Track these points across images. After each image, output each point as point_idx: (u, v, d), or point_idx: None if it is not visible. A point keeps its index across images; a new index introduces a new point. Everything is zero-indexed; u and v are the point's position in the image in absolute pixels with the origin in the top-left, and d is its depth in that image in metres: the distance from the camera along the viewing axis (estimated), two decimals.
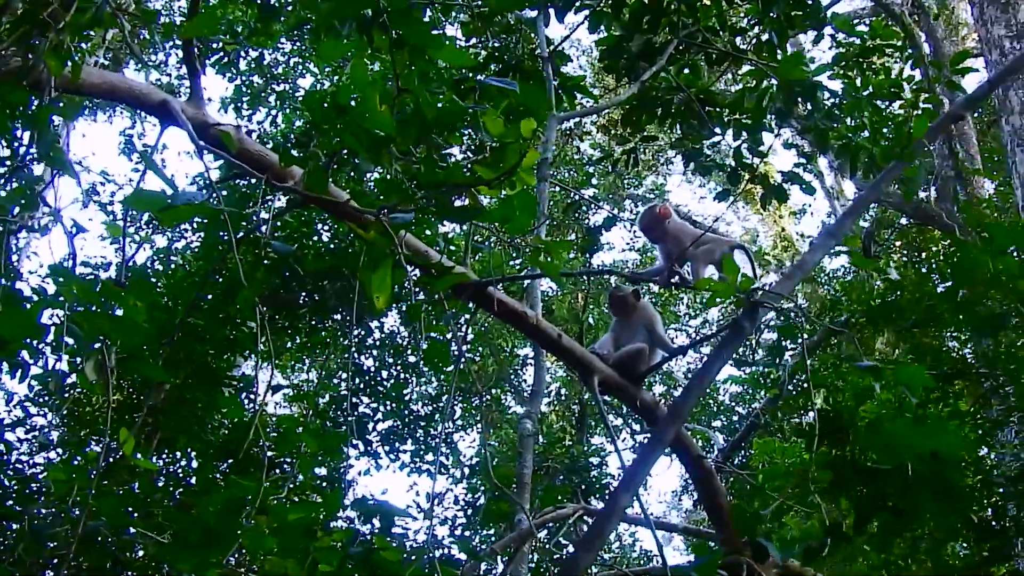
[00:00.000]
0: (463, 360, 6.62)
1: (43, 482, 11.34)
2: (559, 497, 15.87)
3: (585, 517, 10.88)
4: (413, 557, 5.40)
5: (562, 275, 6.35)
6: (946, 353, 11.27)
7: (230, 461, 13.51)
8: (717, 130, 10.69)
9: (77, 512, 5.73)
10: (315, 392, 19.86)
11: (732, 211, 36.44)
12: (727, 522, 7.42)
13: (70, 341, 4.76)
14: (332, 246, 15.62)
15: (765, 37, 10.37)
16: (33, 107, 5.39)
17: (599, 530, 5.99)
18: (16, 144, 5.76)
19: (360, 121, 4.59)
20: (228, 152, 5.97)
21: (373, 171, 4.80)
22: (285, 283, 15.22)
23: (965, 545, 10.64)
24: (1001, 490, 10.16)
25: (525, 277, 7.42)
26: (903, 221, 18.94)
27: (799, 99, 10.12)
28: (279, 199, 12.16)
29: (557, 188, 21.03)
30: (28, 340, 4.52)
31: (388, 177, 4.93)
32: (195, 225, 15.64)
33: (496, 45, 11.23)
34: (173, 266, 15.80)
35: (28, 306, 4.50)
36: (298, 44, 20.17)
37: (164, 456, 14.16)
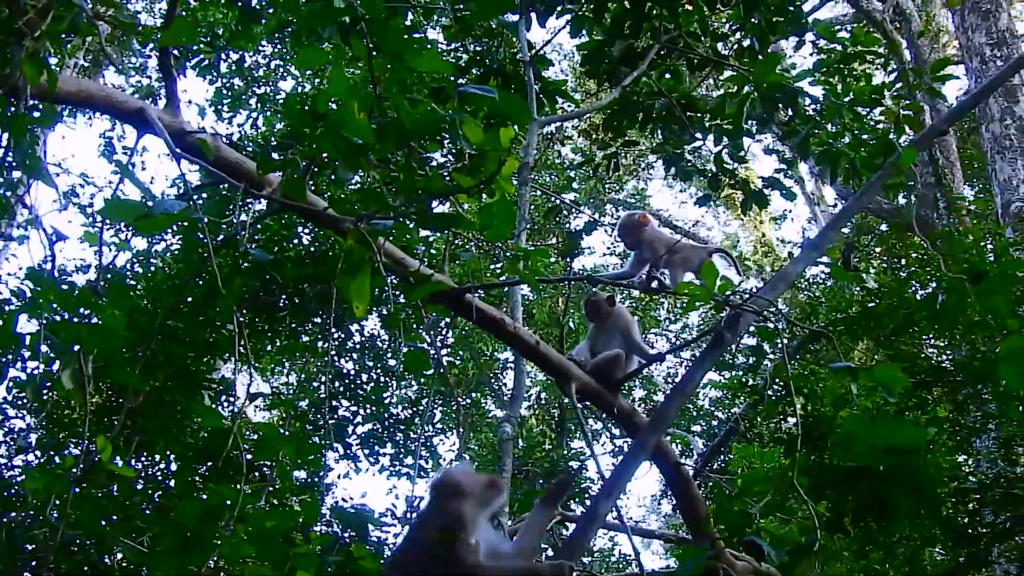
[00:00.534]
0: (443, 365, 6.63)
1: (21, 486, 11.29)
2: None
3: (564, 522, 10.85)
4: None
5: (540, 282, 6.35)
6: (924, 360, 11.29)
7: (209, 464, 13.48)
8: (698, 135, 10.71)
9: (56, 514, 5.72)
10: (295, 396, 19.83)
11: (712, 216, 36.48)
12: (704, 529, 7.44)
13: (46, 349, 4.75)
14: (312, 249, 15.60)
15: (747, 43, 10.39)
16: (9, 115, 5.37)
17: (580, 536, 6.00)
18: None
19: (338, 128, 4.58)
20: (205, 160, 5.96)
21: (352, 178, 4.74)
22: (265, 286, 15.19)
23: (941, 551, 10.68)
24: (977, 496, 10.20)
25: (503, 284, 7.43)
26: (883, 227, 19.00)
27: (780, 105, 10.14)
28: (259, 203, 12.14)
29: (538, 192, 21.03)
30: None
31: (367, 184, 4.92)
32: (175, 228, 15.60)
33: (478, 49, 11.22)
34: (152, 268, 15.75)
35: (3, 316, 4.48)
36: (279, 47, 20.15)
37: (143, 459, 14.11)
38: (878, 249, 16.44)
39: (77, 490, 5.35)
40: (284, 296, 15.92)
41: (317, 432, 17.34)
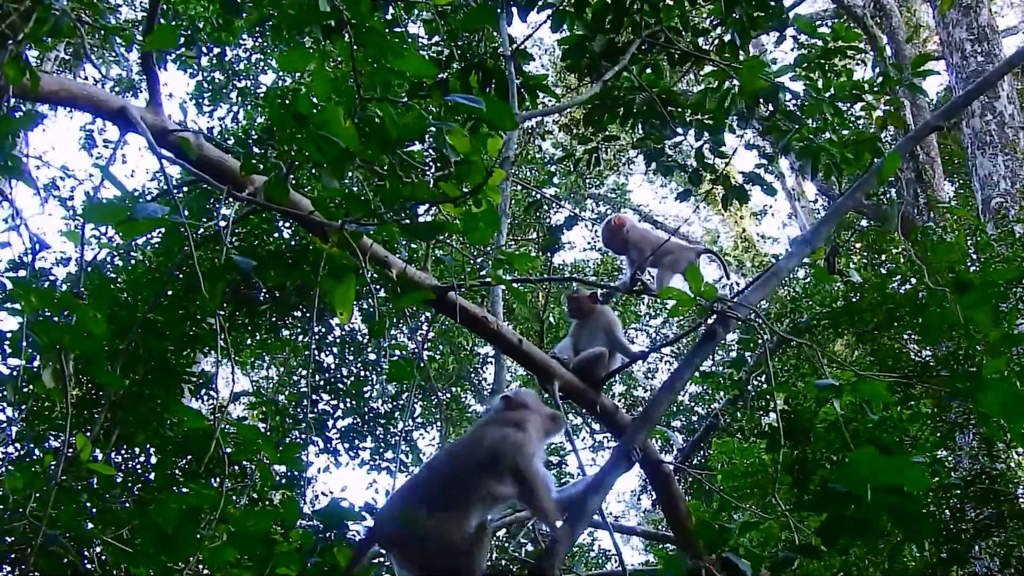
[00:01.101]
0: (423, 359, 6.62)
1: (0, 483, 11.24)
2: None
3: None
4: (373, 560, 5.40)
5: (521, 282, 6.34)
6: (906, 356, 11.31)
7: (188, 458, 13.44)
8: (679, 130, 10.70)
9: (35, 507, 5.69)
10: (275, 389, 19.80)
11: (689, 208, 36.52)
12: (685, 525, 7.45)
13: (26, 346, 4.73)
14: (293, 244, 15.57)
15: (728, 38, 10.39)
16: None
17: (568, 533, 5.99)
18: None
19: (321, 131, 4.56)
20: (187, 159, 5.94)
21: (333, 185, 4.69)
22: (245, 279, 15.15)
23: (922, 548, 10.70)
24: (959, 492, 10.22)
25: (486, 283, 7.42)
26: (863, 224, 19.02)
27: (761, 100, 10.14)
28: (232, 204, 12.11)
29: (518, 187, 21.02)
30: None
31: (351, 189, 4.90)
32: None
33: (459, 44, 11.20)
34: (133, 262, 15.69)
35: None
36: (259, 41, 20.09)
37: (122, 452, 14.07)
38: (858, 245, 16.46)
39: (55, 483, 5.30)
40: (264, 290, 15.88)
41: (297, 427, 17.32)
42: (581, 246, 28.92)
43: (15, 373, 5.44)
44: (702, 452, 19.66)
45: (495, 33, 11.07)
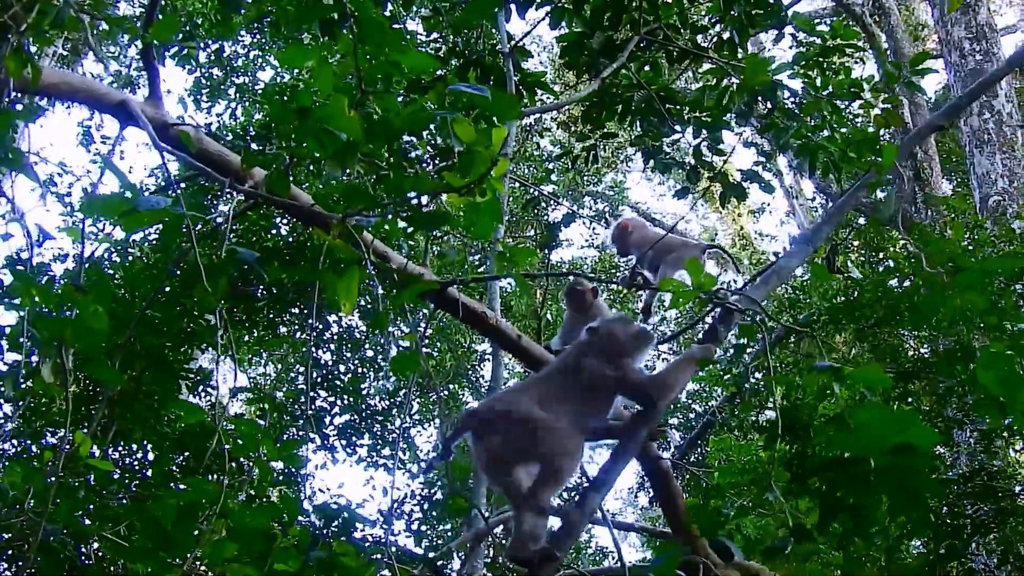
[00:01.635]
0: (423, 356, 6.64)
1: None
2: None
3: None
4: (373, 557, 5.41)
5: (525, 277, 6.34)
6: (905, 352, 11.32)
7: (186, 454, 13.45)
8: (677, 128, 10.70)
9: (32, 503, 5.69)
10: (272, 385, 19.81)
11: (691, 209, 36.53)
12: (684, 522, 7.44)
13: (25, 341, 4.73)
14: (291, 240, 15.57)
15: (726, 35, 10.39)
16: None
17: (568, 531, 6.00)
18: None
19: (324, 124, 4.55)
20: (188, 152, 5.94)
21: (339, 176, 4.70)
22: (243, 276, 15.15)
23: (921, 543, 10.70)
24: (957, 488, 10.23)
25: (488, 278, 7.42)
26: (861, 221, 19.03)
27: (759, 98, 10.14)
28: (232, 197, 12.08)
29: (516, 184, 21.04)
30: None
31: (352, 180, 4.90)
32: None
33: (457, 40, 11.20)
34: (130, 258, 15.69)
35: None
36: (258, 37, 20.09)
37: (120, 448, 14.07)
38: (856, 243, 16.46)
39: (53, 479, 5.31)
40: (262, 287, 15.89)
41: (295, 423, 17.33)
42: (579, 243, 28.95)
43: (14, 368, 5.44)
44: (699, 449, 19.68)
45: (493, 30, 11.06)
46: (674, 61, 10.93)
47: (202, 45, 18.57)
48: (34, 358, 4.99)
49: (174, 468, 13.43)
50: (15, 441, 13.36)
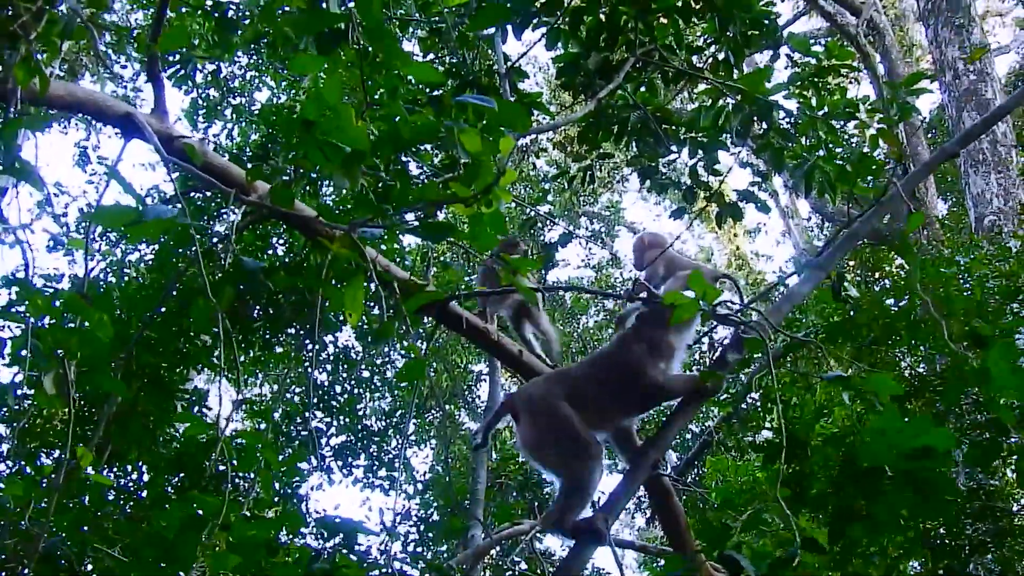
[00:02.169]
0: (428, 366, 6.67)
1: None
2: (517, 512, 15.88)
3: (538, 535, 10.86)
4: (372, 573, 5.42)
5: (533, 291, 6.36)
6: (902, 371, 11.31)
7: (181, 475, 13.44)
8: (673, 148, 10.71)
9: (27, 525, 5.69)
10: (269, 406, 19.81)
11: (687, 229, 36.55)
12: (685, 541, 7.45)
13: (27, 354, 4.73)
14: (287, 260, 15.58)
15: (722, 56, 10.41)
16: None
17: (578, 554, 6.06)
18: None
19: (332, 135, 4.56)
20: (193, 164, 5.96)
21: (346, 187, 4.73)
22: (239, 296, 15.13)
23: (919, 563, 10.70)
24: (956, 507, 10.23)
25: (494, 292, 7.44)
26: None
27: (755, 118, 10.16)
28: (235, 212, 12.10)
29: (513, 204, 21.05)
30: None
31: (357, 192, 4.90)
32: (149, 237, 15.57)
33: (453, 61, 11.22)
34: (127, 278, 15.70)
35: None
36: (255, 57, 20.12)
37: (115, 469, 14.06)
38: (852, 263, 16.48)
39: (53, 503, 5.32)
40: (259, 307, 15.89)
41: (291, 444, 17.33)
42: (575, 263, 29.00)
43: (14, 381, 5.44)
44: (696, 470, 19.66)
45: (490, 51, 11.09)
46: (670, 82, 10.95)
47: (199, 66, 18.60)
48: (33, 373, 4.99)
49: (170, 489, 13.42)
50: (10, 463, 13.35)
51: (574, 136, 18.63)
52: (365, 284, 5.02)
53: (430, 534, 19.78)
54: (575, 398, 6.23)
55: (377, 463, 19.50)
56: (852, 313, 10.66)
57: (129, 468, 14.28)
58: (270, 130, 16.72)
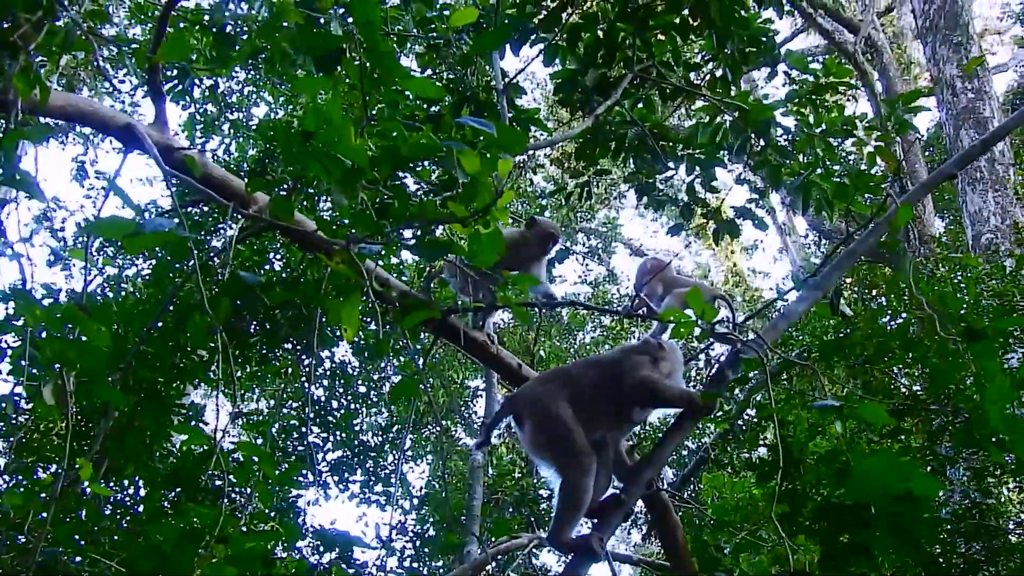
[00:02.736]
0: (423, 382, 6.68)
1: None
2: (513, 527, 15.87)
3: (535, 550, 10.85)
4: None
5: (523, 306, 6.37)
6: (897, 389, 11.31)
7: (178, 489, 13.41)
8: (670, 165, 10.74)
9: (24, 539, 5.70)
10: (266, 421, 19.79)
11: (684, 246, 36.58)
12: (683, 557, 7.45)
13: (27, 363, 4.74)
14: (284, 275, 15.56)
15: (719, 73, 10.44)
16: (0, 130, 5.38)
17: (573, 571, 6.09)
18: None
19: (331, 149, 4.57)
20: (193, 176, 5.97)
21: (345, 202, 4.74)
22: (236, 311, 15.14)
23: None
24: (949, 527, 10.22)
25: (491, 307, 7.46)
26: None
27: (752, 135, 10.18)
28: (233, 227, 12.10)
29: (510, 220, 21.05)
30: None
31: (356, 207, 4.91)
32: (146, 252, 15.57)
33: (451, 77, 11.24)
34: (123, 293, 15.69)
35: None
36: (252, 73, 20.13)
37: (111, 483, 14.03)
38: (849, 280, 16.50)
39: (52, 515, 5.32)
40: (255, 322, 15.88)
41: (287, 459, 17.30)
42: (572, 279, 28.98)
43: (13, 392, 5.45)
44: (692, 486, 19.64)
45: (487, 67, 11.12)
46: (667, 98, 10.98)
47: (196, 81, 18.60)
48: (32, 384, 5.00)
49: (166, 503, 13.39)
50: (7, 477, 13.33)
51: (571, 152, 18.66)
52: (363, 298, 5.02)
53: (426, 549, 19.73)
54: (575, 397, 6.31)
55: (373, 478, 19.46)
56: (847, 331, 10.65)
57: (126, 482, 14.25)
58: (268, 145, 16.73)
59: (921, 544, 4.62)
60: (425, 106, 10.32)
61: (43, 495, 5.61)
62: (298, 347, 16.54)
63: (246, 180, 14.82)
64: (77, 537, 7.23)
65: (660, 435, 7.24)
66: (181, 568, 4.78)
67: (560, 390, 6.34)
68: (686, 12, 10.08)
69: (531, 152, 23.06)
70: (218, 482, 5.32)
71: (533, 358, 17.31)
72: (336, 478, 19.18)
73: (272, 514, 15.17)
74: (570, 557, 6.12)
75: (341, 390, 19.18)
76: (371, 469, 19.43)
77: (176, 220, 4.83)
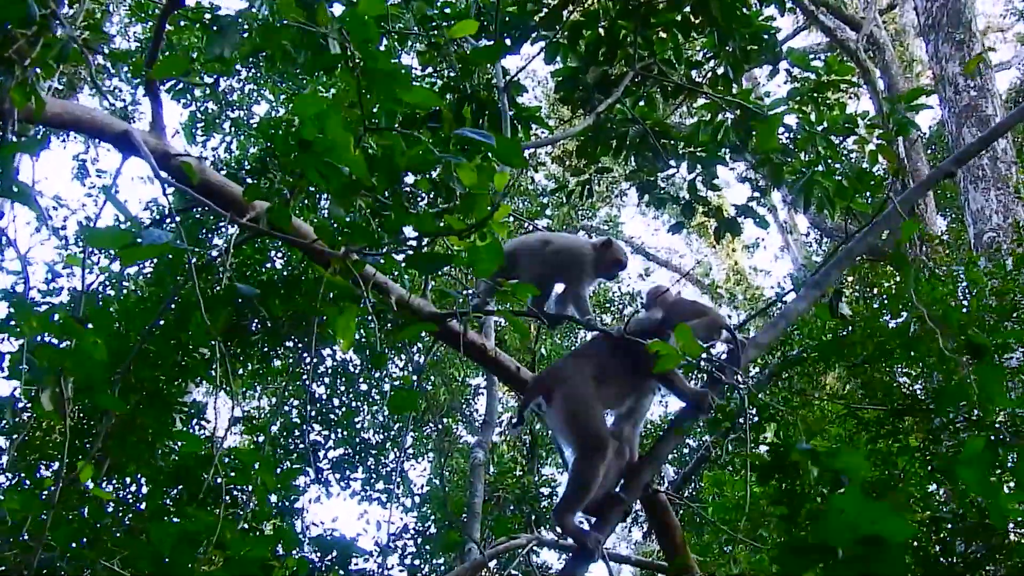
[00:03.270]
0: (422, 391, 6.68)
1: None
2: (514, 526, 15.87)
3: (535, 549, 10.85)
4: None
5: (519, 315, 6.38)
6: (896, 388, 11.30)
7: (180, 488, 13.41)
8: (672, 163, 10.72)
9: (27, 538, 5.69)
10: (268, 419, 19.78)
11: (685, 244, 36.58)
12: (681, 555, 7.46)
13: (25, 367, 4.73)
14: (285, 273, 15.57)
15: (721, 71, 10.42)
16: None
17: (571, 571, 6.11)
18: None
19: (327, 158, 4.57)
20: (190, 183, 5.96)
21: (342, 213, 4.73)
22: (237, 310, 15.14)
23: None
24: (949, 526, 10.21)
25: (488, 313, 7.46)
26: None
27: (754, 133, 10.17)
28: (234, 226, 12.08)
29: (511, 218, 21.04)
30: None
31: (354, 215, 4.91)
32: None
33: (452, 75, 11.23)
34: (125, 292, 15.69)
35: None
36: (253, 71, 20.10)
37: (113, 482, 14.03)
38: (850, 278, 16.47)
39: (51, 516, 5.30)
40: (256, 321, 15.88)
41: (288, 457, 17.31)
42: None
43: (13, 395, 5.45)
44: (692, 485, 19.62)
45: (488, 65, 11.10)
46: (669, 96, 10.96)
47: (197, 79, 18.57)
48: (31, 388, 4.99)
49: (168, 502, 13.39)
50: (9, 475, 13.32)
51: (573, 150, 18.66)
52: (361, 305, 5.02)
53: (427, 547, 19.75)
54: (600, 372, 6.56)
55: (375, 476, 19.47)
56: (847, 330, 10.64)
57: (128, 481, 14.25)
58: (268, 144, 16.72)
59: None
60: (418, 114, 10.29)
61: (43, 495, 5.60)
62: (299, 345, 16.55)
63: (248, 181, 14.88)
64: (80, 539, 7.24)
65: (660, 433, 7.27)
66: (179, 570, 4.78)
67: (588, 367, 6.45)
68: (687, 9, 10.06)
69: (533, 150, 23.10)
70: (220, 480, 5.32)
71: (534, 356, 17.33)
72: (337, 476, 19.18)
73: (274, 512, 15.17)
74: (568, 556, 6.14)
75: (342, 388, 19.17)
76: (372, 467, 19.44)
77: (174, 227, 4.83)
